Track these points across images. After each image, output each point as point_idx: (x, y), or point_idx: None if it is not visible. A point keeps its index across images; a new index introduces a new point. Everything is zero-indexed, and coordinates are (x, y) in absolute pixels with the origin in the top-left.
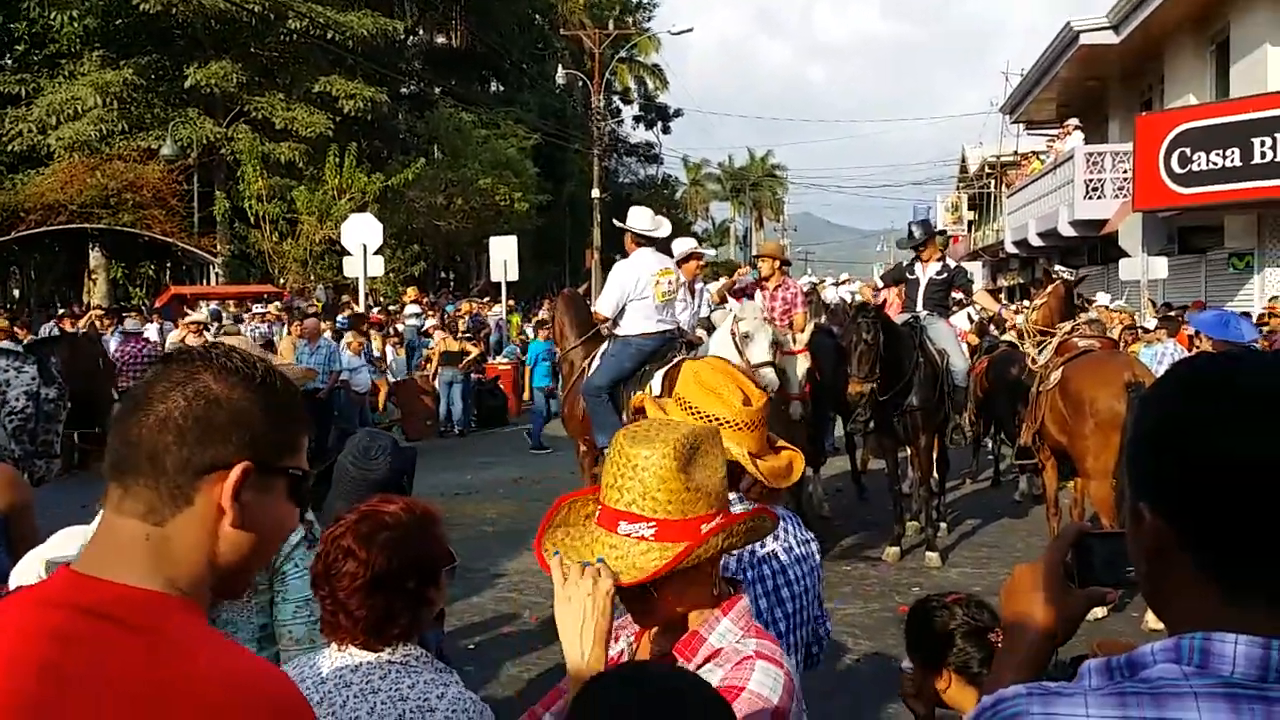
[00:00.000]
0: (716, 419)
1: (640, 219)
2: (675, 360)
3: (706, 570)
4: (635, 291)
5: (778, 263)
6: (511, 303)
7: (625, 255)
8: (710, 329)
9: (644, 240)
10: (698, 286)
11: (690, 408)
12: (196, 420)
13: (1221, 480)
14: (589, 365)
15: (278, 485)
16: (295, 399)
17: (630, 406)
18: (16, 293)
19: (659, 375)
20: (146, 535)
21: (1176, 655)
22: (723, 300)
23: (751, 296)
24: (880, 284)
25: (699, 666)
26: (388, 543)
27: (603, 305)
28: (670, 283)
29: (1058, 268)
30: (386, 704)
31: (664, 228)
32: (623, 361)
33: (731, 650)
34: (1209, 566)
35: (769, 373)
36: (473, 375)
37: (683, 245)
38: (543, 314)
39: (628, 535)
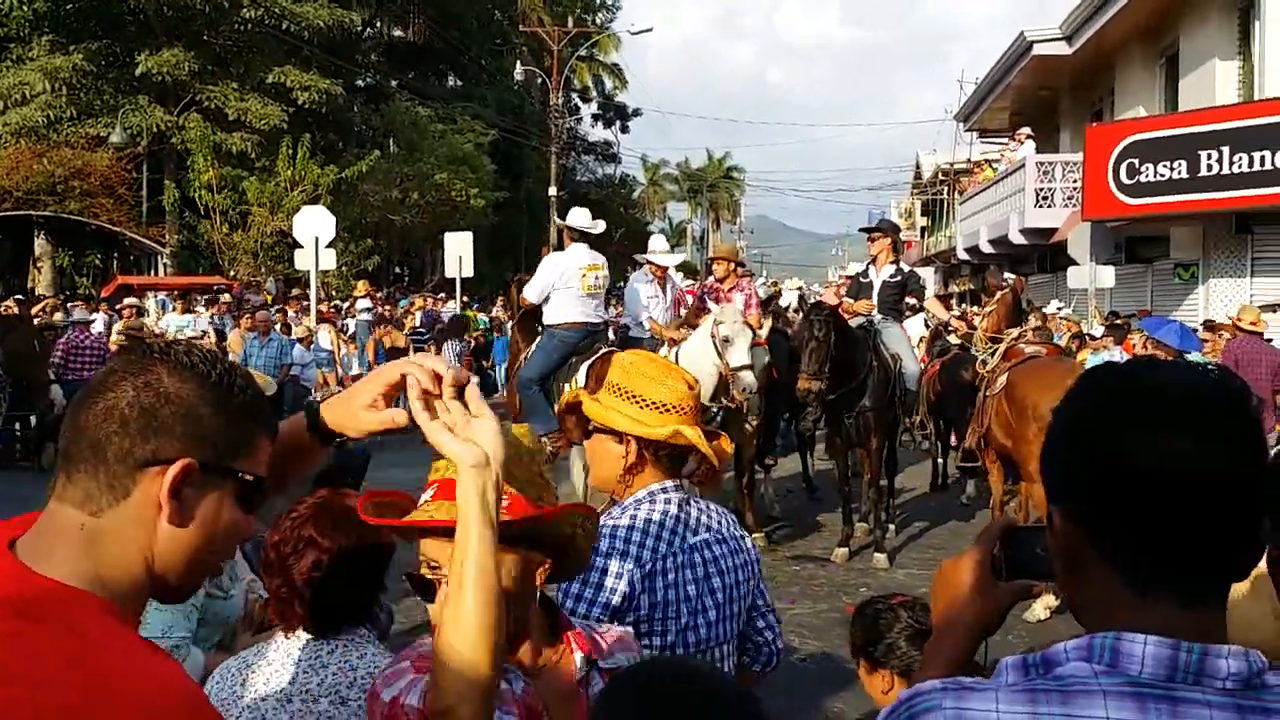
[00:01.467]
0: (664, 405)
1: (579, 217)
2: (602, 352)
3: (533, 585)
4: (561, 281)
5: (732, 264)
6: (466, 299)
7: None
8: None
9: (579, 236)
10: (668, 287)
11: (637, 398)
12: (142, 411)
13: (1128, 481)
14: (524, 358)
15: (225, 487)
16: (255, 402)
17: (562, 403)
18: None
19: (584, 368)
20: (82, 525)
21: (1088, 654)
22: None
23: (717, 300)
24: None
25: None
26: (349, 530)
27: (529, 291)
28: (598, 277)
29: (1006, 275)
30: (337, 674)
31: (599, 227)
32: (549, 354)
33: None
34: (1119, 568)
35: (747, 376)
36: None
37: (657, 243)
38: (496, 310)
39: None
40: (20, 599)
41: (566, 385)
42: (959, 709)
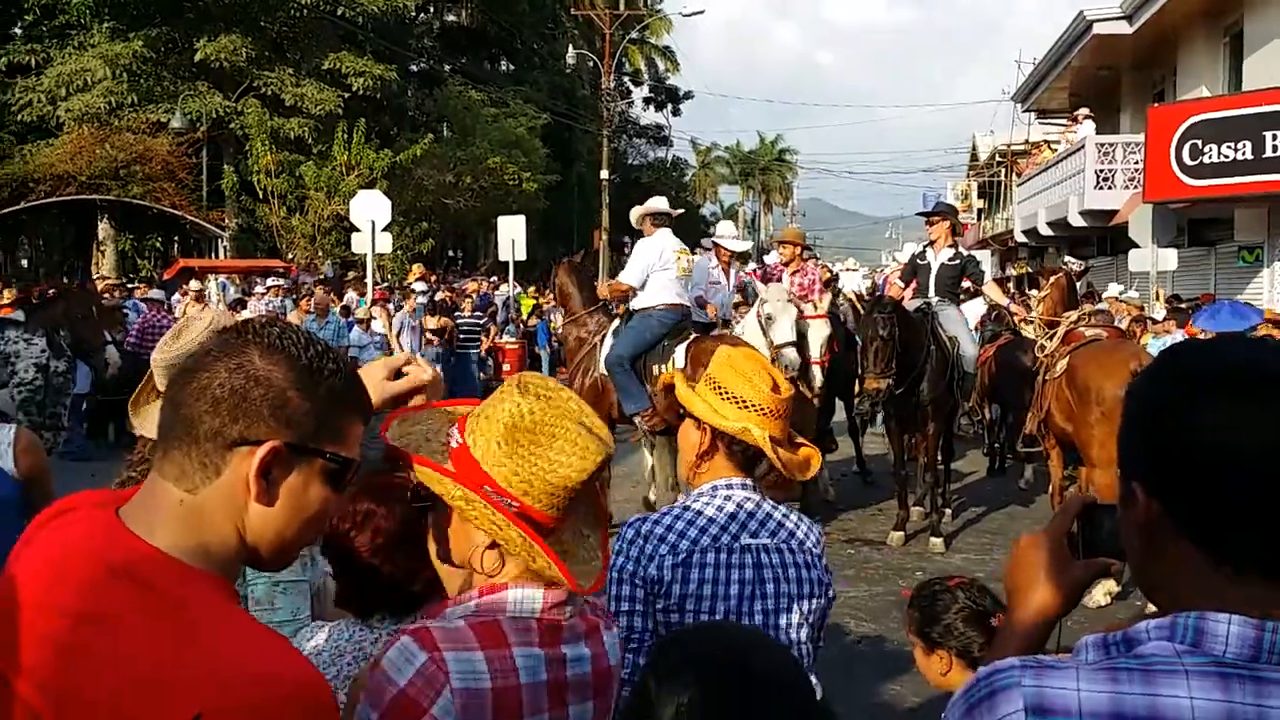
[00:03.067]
0: (745, 402)
1: (661, 203)
2: (692, 337)
3: (468, 534)
4: (659, 263)
5: (798, 249)
6: (519, 287)
7: (636, 236)
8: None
9: (664, 221)
10: (733, 271)
11: (722, 390)
12: (232, 392)
13: (1211, 460)
14: (601, 341)
15: (313, 468)
16: (346, 385)
17: (660, 383)
18: (25, 263)
19: (680, 349)
20: (180, 500)
21: (1171, 633)
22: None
23: (779, 280)
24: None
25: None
26: (403, 500)
27: (629, 276)
28: (689, 261)
29: (1067, 259)
30: None
31: (675, 213)
32: (643, 333)
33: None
34: (1203, 546)
35: (790, 353)
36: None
37: (727, 229)
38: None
39: (450, 434)
40: (122, 560)
41: (658, 366)
42: (1039, 686)
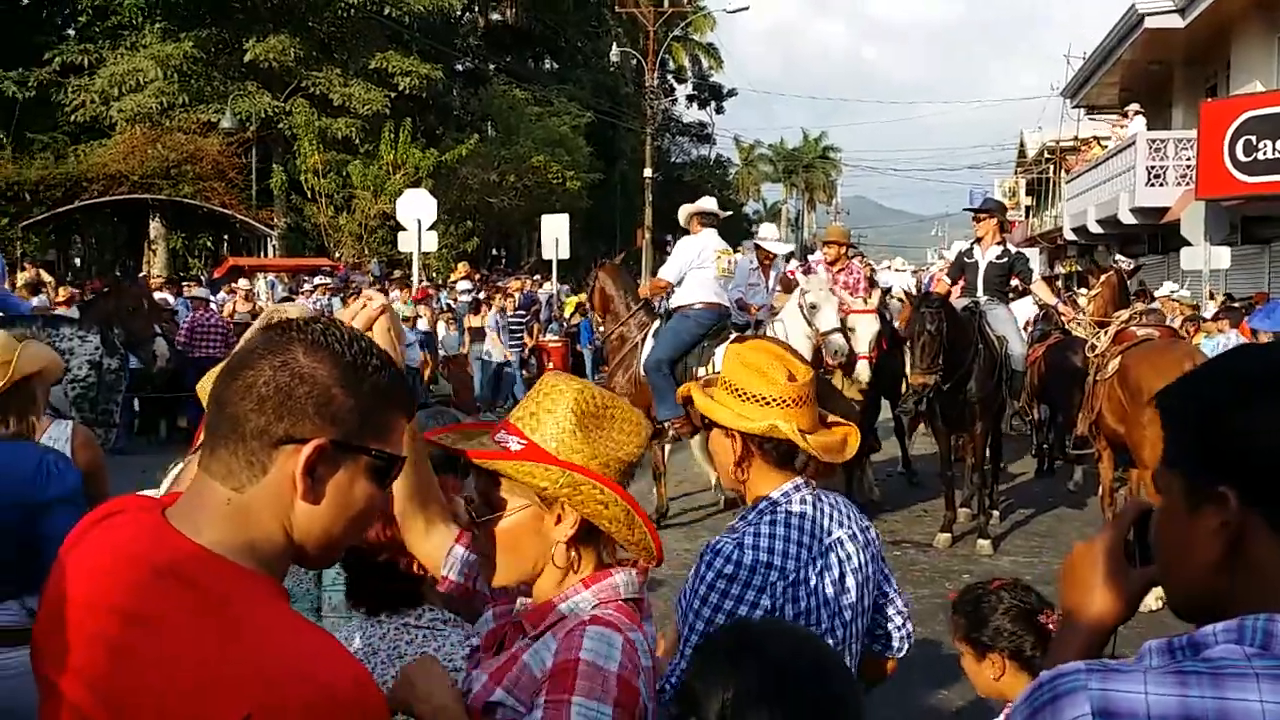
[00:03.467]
0: (766, 399)
1: (710, 203)
2: (733, 337)
3: (544, 534)
4: (699, 261)
5: (843, 247)
6: (563, 285)
7: (679, 234)
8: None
9: (710, 221)
10: (773, 273)
11: (739, 391)
12: (277, 390)
13: (1266, 465)
14: (644, 340)
15: (358, 465)
16: (390, 382)
17: (679, 395)
18: (78, 262)
19: (720, 351)
20: (228, 499)
21: (1239, 636)
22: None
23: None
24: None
25: (538, 636)
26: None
27: (666, 272)
28: (730, 262)
29: (1118, 257)
30: (385, 663)
31: (723, 214)
32: (681, 334)
33: (572, 619)
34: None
35: (837, 339)
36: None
37: (768, 230)
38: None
39: (499, 440)
40: (168, 561)
41: (699, 368)
42: (1105, 689)
